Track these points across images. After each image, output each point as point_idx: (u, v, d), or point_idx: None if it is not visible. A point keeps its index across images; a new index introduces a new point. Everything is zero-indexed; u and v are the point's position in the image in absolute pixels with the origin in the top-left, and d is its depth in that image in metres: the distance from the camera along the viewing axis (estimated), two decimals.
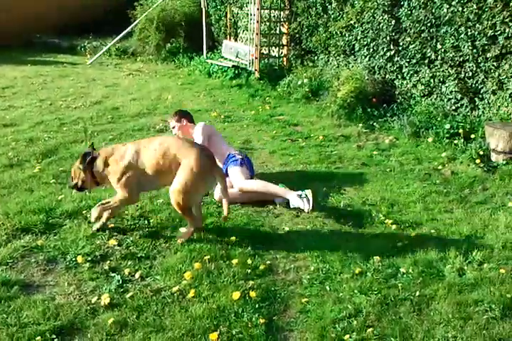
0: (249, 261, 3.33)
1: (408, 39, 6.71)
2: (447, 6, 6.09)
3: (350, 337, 2.62)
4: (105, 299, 2.90)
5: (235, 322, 2.74)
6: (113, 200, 3.72)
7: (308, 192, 4.05)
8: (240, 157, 4.53)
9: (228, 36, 10.82)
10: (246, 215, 4.05)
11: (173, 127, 4.83)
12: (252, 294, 2.96)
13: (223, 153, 4.60)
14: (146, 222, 3.91)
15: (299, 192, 4.09)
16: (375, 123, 6.41)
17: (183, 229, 3.78)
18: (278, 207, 4.21)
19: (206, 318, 2.77)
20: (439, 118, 6.07)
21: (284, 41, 9.16)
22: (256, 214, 4.10)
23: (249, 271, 3.24)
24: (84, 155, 3.73)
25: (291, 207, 4.09)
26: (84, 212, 4.01)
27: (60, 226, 3.82)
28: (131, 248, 3.53)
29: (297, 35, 8.85)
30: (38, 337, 2.60)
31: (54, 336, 2.62)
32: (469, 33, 5.92)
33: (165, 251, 3.49)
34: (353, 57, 7.71)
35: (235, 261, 3.32)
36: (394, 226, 3.78)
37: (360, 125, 6.38)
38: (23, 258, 3.38)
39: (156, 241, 3.62)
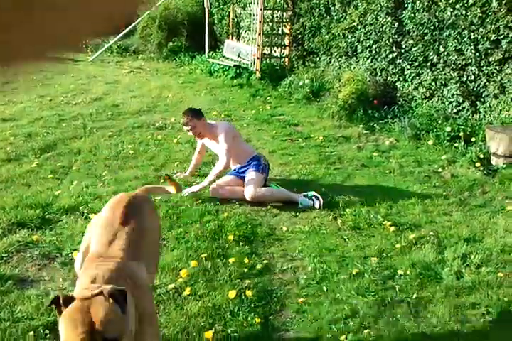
0: (246, 260, 3.31)
1: (411, 42, 6.69)
2: (451, 10, 6.08)
3: (347, 338, 2.60)
4: None
5: (231, 321, 2.72)
6: None
7: (314, 192, 4.26)
8: (264, 163, 4.50)
9: (230, 36, 10.81)
10: (244, 214, 4.03)
11: (194, 127, 4.44)
12: (248, 293, 2.93)
13: (249, 153, 4.55)
14: None
15: (305, 193, 4.27)
16: (375, 125, 6.39)
17: None
18: (276, 207, 4.20)
19: (201, 316, 2.74)
20: (439, 121, 6.04)
21: (286, 42, 9.14)
22: (254, 213, 4.08)
23: (245, 270, 3.22)
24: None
25: (300, 207, 4.17)
26: (81, 207, 3.99)
27: (57, 221, 3.80)
28: None
29: (299, 36, 8.82)
30: (31, 332, 2.57)
31: (47, 331, 2.59)
32: (472, 37, 5.90)
33: (161, 248, 3.46)
34: (355, 58, 7.69)
35: (231, 260, 3.30)
36: (392, 228, 3.76)
37: (361, 126, 6.36)
38: (18, 253, 3.35)
39: None
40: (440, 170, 5.04)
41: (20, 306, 2.79)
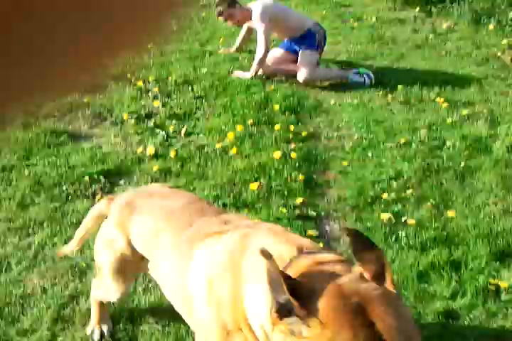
0: (291, 128, 3.31)
1: None
2: None
3: (389, 196, 2.63)
4: (150, 150, 2.97)
5: (275, 177, 2.78)
6: None
7: (365, 69, 4.12)
8: (320, 39, 4.17)
9: None
10: (290, 88, 3.96)
11: (230, 15, 4.14)
12: (293, 155, 2.96)
13: (302, 25, 4.16)
14: (189, 88, 3.88)
15: (356, 70, 4.11)
16: (432, 8, 5.96)
17: None
18: (324, 82, 4.10)
19: (247, 171, 2.81)
20: (503, 7, 5.58)
21: None
22: (301, 87, 4.00)
23: (291, 135, 3.22)
24: None
25: (351, 82, 4.05)
26: (128, 75, 3.99)
27: (106, 87, 3.83)
28: (175, 109, 3.54)
29: None
30: (86, 177, 2.71)
31: (102, 177, 2.73)
32: None
33: (208, 114, 3.49)
34: None
35: (277, 127, 3.30)
36: (445, 104, 3.63)
37: (417, 9, 5.94)
38: (70, 113, 3.45)
39: (199, 106, 3.61)
40: (500, 54, 4.73)
41: (75, 156, 2.92)
